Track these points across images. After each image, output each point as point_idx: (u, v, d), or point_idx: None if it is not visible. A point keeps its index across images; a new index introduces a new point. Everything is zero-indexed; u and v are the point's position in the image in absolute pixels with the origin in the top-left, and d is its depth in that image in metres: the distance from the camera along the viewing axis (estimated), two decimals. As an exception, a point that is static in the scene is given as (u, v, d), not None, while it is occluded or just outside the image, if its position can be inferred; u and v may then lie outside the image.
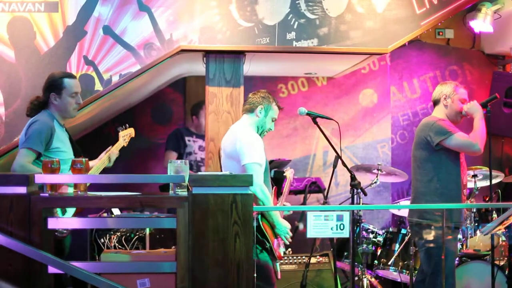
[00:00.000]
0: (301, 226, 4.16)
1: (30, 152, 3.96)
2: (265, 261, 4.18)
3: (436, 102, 4.62)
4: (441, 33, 6.88)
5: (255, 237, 4.05)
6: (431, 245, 4.34)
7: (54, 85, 4.15)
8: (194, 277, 3.11)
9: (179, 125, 6.64)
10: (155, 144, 6.71)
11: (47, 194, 3.23)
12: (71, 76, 4.25)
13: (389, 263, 5.41)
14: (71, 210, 4.00)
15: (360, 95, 6.85)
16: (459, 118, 4.58)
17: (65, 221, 3.60)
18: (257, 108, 4.33)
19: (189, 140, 6.14)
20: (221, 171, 4.30)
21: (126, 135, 4.77)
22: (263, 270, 4.12)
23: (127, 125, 4.83)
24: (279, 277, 4.38)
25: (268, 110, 4.34)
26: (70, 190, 3.56)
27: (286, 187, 4.73)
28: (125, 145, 4.74)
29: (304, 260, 5.52)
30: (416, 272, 4.78)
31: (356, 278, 5.39)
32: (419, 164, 4.49)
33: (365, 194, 4.63)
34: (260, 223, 4.13)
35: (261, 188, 4.05)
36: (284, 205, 4.60)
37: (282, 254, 4.31)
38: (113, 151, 4.57)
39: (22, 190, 3.10)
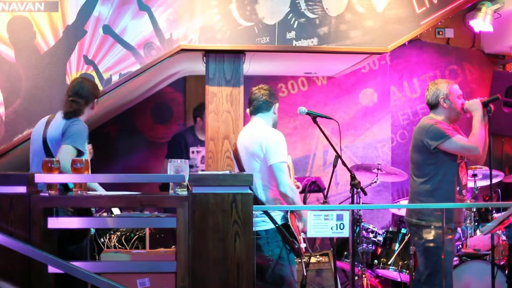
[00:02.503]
0: (301, 226, 4.15)
1: (73, 150, 4.08)
2: (290, 273, 4.15)
3: (433, 106, 4.47)
4: (441, 33, 6.88)
5: (263, 236, 4.04)
6: (428, 245, 4.33)
7: (96, 93, 4.37)
8: (194, 277, 3.11)
9: (180, 127, 6.62)
10: (155, 144, 6.71)
11: (47, 194, 3.23)
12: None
13: (389, 262, 5.41)
14: None
15: (360, 95, 6.85)
16: (460, 116, 4.51)
17: (65, 220, 3.60)
18: (275, 105, 4.30)
19: (193, 152, 6.06)
20: (244, 171, 4.19)
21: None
22: (286, 279, 4.11)
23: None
24: (305, 273, 4.40)
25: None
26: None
27: (291, 172, 4.74)
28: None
29: (304, 260, 5.52)
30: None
31: (356, 278, 5.39)
32: (416, 166, 4.44)
33: (365, 194, 4.62)
34: (289, 221, 4.11)
35: (291, 187, 4.01)
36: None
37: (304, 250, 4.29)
38: None
39: (22, 189, 3.11)
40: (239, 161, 4.27)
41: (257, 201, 4.02)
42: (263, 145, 4.08)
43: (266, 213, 4.02)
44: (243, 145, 4.25)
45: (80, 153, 4.09)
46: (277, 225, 4.04)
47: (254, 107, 4.29)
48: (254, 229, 4.03)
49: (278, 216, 4.07)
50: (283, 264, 4.07)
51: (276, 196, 4.10)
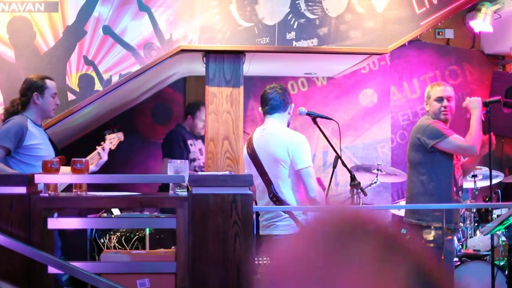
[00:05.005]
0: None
1: None
2: None
3: (426, 110, 4.58)
4: (441, 33, 6.89)
5: None
6: (428, 245, 4.34)
7: (36, 86, 4.30)
8: (194, 277, 3.11)
9: (177, 125, 6.62)
10: (155, 144, 6.71)
11: (47, 194, 3.23)
12: (50, 78, 4.42)
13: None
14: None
15: (360, 95, 6.85)
16: (443, 119, 4.42)
17: (65, 221, 3.60)
18: (290, 105, 4.23)
19: (191, 144, 6.07)
20: (267, 175, 4.06)
21: (113, 138, 4.73)
22: None
23: (115, 129, 4.80)
24: None
25: None
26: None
27: None
28: (112, 148, 4.70)
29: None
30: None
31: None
32: (413, 165, 4.46)
33: (365, 194, 4.62)
34: None
35: (319, 192, 3.98)
36: None
37: None
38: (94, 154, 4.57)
39: (22, 190, 3.10)
40: (258, 165, 4.11)
41: (282, 204, 4.00)
42: (289, 150, 3.99)
43: (293, 216, 3.99)
44: (264, 148, 4.10)
45: (9, 151, 4.12)
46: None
47: (271, 106, 4.17)
48: (277, 233, 4.04)
49: (303, 220, 4.04)
50: None
51: (303, 201, 4.08)
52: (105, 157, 4.54)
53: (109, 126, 4.95)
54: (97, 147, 4.56)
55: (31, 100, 4.27)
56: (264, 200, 4.11)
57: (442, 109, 4.37)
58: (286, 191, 4.02)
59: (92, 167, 4.49)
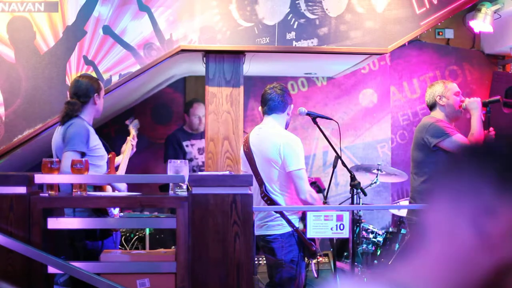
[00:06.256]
0: (301, 226, 4.15)
1: (75, 153, 3.92)
2: (299, 277, 4.10)
3: (432, 106, 4.55)
4: (441, 33, 6.89)
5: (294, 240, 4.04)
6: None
7: (95, 87, 4.23)
8: (194, 277, 3.11)
9: (175, 128, 6.64)
10: (155, 144, 6.71)
11: (47, 194, 3.23)
12: (98, 79, 4.48)
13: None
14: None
15: (360, 95, 6.85)
16: (459, 114, 4.52)
17: (65, 221, 3.60)
18: (289, 106, 4.22)
19: (187, 146, 6.10)
20: (259, 175, 4.08)
21: (135, 126, 4.85)
22: (295, 282, 4.09)
23: (132, 118, 4.93)
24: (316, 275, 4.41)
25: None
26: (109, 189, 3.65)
27: None
28: (135, 134, 4.80)
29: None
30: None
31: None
32: (417, 164, 4.48)
33: (365, 194, 4.62)
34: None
35: (311, 194, 3.98)
36: None
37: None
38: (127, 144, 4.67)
39: (22, 190, 3.11)
40: (252, 164, 4.15)
41: (274, 204, 4.01)
42: (281, 151, 4.00)
43: (284, 216, 3.99)
44: (258, 149, 4.14)
45: (83, 155, 4.00)
46: (295, 228, 4.02)
47: (269, 107, 4.18)
48: (270, 233, 4.04)
49: (295, 219, 4.04)
50: (294, 267, 4.06)
51: (293, 203, 4.08)
52: (135, 147, 4.67)
53: (127, 117, 5.01)
54: (128, 138, 4.67)
55: (91, 101, 4.20)
56: (256, 199, 4.12)
57: (460, 105, 4.46)
58: (275, 191, 4.03)
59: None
